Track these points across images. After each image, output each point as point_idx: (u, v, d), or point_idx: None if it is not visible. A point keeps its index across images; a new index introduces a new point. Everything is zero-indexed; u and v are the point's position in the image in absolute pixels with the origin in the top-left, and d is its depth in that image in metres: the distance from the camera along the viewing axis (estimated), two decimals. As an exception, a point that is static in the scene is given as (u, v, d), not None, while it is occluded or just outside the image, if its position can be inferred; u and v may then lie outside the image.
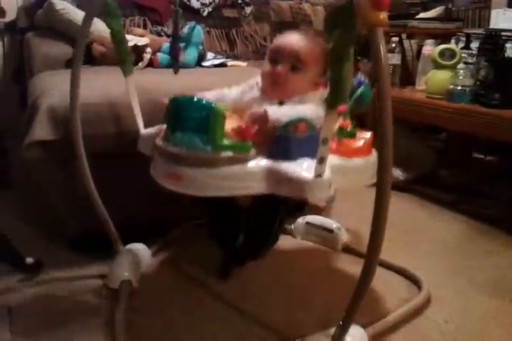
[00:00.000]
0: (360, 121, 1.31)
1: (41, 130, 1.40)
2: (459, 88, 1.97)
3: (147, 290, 1.39)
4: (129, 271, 1.39)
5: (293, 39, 1.26)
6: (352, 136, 1.23)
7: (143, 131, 1.37)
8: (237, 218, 1.39)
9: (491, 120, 1.81)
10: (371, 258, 0.97)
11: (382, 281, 1.39)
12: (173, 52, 1.89)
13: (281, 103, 1.24)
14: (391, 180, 0.91)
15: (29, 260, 1.47)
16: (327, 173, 1.03)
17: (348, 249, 1.63)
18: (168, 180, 1.11)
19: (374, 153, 1.25)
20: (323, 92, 1.27)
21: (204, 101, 1.08)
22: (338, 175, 1.08)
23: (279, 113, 1.12)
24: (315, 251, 1.65)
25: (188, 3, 2.80)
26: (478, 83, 1.96)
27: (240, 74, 2.11)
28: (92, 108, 1.45)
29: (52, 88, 1.55)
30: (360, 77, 1.27)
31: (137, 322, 1.26)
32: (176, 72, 1.70)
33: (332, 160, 1.07)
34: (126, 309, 1.27)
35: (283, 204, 1.29)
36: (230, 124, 1.09)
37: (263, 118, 1.09)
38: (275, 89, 1.25)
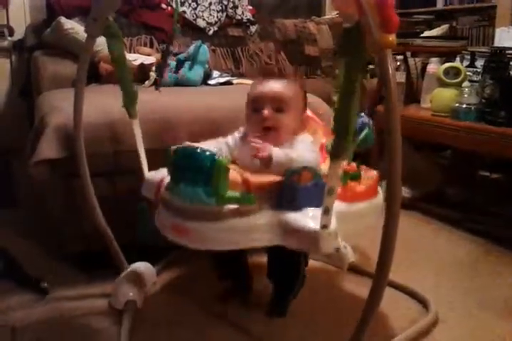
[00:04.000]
0: (363, 157, 1.26)
1: (48, 148, 1.41)
2: (464, 106, 1.98)
3: (152, 310, 1.38)
4: (133, 291, 1.37)
5: (271, 85, 1.28)
6: (357, 178, 1.20)
7: (147, 174, 1.33)
8: (242, 259, 1.43)
9: (496, 138, 1.81)
10: (380, 279, 0.94)
11: (389, 301, 1.36)
12: (161, 69, 1.92)
13: None
14: (400, 199, 0.88)
15: (43, 285, 1.46)
16: (333, 223, 1.00)
17: (354, 269, 1.61)
18: (173, 233, 1.10)
19: (380, 194, 1.25)
20: (309, 134, 1.31)
21: (207, 153, 1.05)
22: (344, 222, 1.05)
23: (280, 151, 1.16)
24: (321, 270, 1.63)
25: (194, 22, 2.84)
26: (483, 101, 1.96)
27: (245, 92, 2.12)
28: (92, 127, 1.44)
29: (59, 107, 1.56)
30: (363, 117, 1.25)
31: (141, 342, 1.24)
32: (158, 90, 1.71)
33: (337, 206, 1.00)
34: (131, 330, 1.25)
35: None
36: (232, 175, 1.06)
37: (267, 155, 1.13)
38: (267, 136, 1.24)
